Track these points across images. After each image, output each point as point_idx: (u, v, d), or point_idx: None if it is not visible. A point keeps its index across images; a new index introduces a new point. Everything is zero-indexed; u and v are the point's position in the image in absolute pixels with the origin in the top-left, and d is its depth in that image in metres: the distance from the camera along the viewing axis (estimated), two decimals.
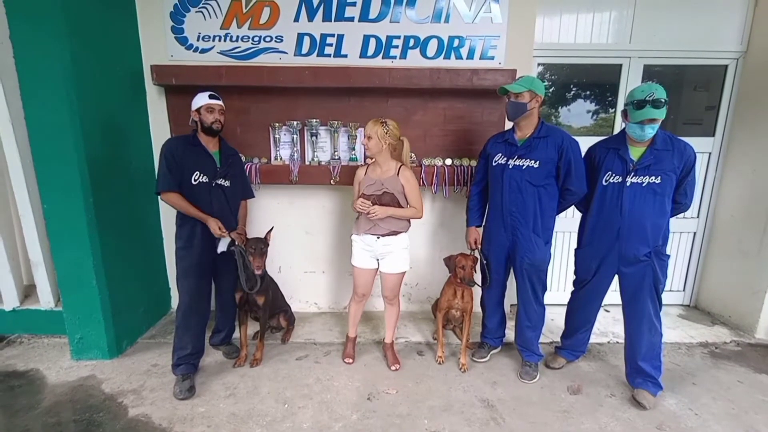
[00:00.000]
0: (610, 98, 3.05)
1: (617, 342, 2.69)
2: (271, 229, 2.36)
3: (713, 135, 3.00)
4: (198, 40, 2.66)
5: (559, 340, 2.49)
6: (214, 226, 2.06)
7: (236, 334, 2.48)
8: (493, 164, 2.18)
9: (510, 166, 2.09)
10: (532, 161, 2.04)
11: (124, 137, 2.53)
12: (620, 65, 2.88)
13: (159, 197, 2.10)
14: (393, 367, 2.34)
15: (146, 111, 2.74)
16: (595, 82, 3.10)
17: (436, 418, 1.94)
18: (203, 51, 2.68)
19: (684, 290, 3.29)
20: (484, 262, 2.26)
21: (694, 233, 3.17)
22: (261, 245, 2.23)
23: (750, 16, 2.79)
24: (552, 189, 2.08)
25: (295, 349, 2.58)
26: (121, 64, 2.51)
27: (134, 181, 2.60)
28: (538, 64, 2.92)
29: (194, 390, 2.10)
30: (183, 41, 2.66)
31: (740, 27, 2.81)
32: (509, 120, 2.12)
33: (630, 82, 2.89)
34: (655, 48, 2.83)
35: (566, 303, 2.39)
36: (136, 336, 2.65)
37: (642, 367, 2.07)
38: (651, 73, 2.90)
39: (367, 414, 1.96)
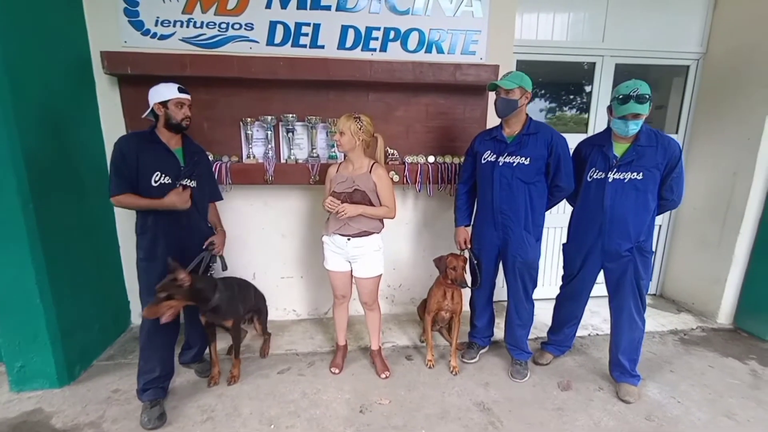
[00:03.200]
0: (581, 98, 3.12)
1: (597, 334, 2.76)
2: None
3: (676, 132, 3.16)
4: (156, 25, 2.39)
5: (544, 335, 2.51)
6: (173, 196, 1.81)
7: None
8: (482, 162, 2.12)
9: (500, 164, 2.05)
10: (523, 158, 2.01)
11: (70, 134, 2.21)
12: (594, 63, 2.95)
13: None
14: (383, 375, 2.24)
15: (96, 103, 2.43)
16: (569, 81, 3.16)
17: (433, 427, 1.86)
18: (162, 37, 2.41)
19: (651, 280, 3.45)
20: (475, 262, 2.21)
21: (660, 226, 3.33)
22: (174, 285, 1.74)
23: (709, 19, 2.94)
24: (542, 186, 2.07)
25: (275, 361, 2.40)
26: (64, 50, 2.19)
27: (84, 183, 2.29)
28: (517, 61, 2.91)
29: (165, 417, 1.87)
30: (138, 26, 2.38)
31: (700, 29, 2.97)
32: (499, 117, 2.07)
33: (603, 81, 2.96)
34: (625, 47, 2.91)
35: (552, 298, 2.42)
36: (91, 358, 2.34)
37: (620, 360, 2.11)
38: (619, 73, 2.98)
39: (361, 428, 1.84)
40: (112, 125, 2.46)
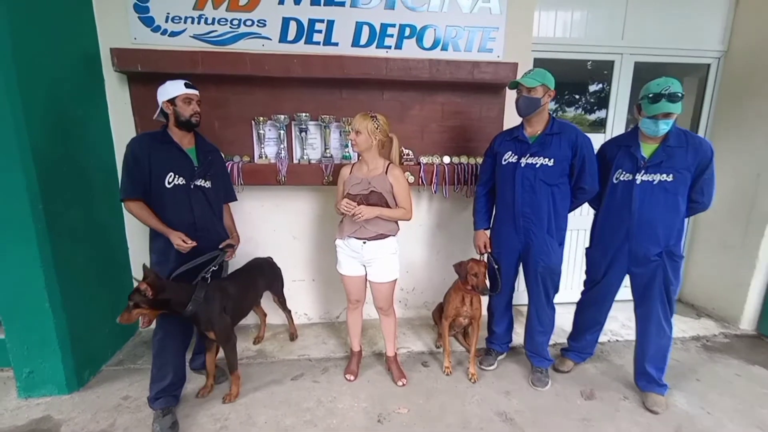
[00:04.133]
0: (585, 98, 3.06)
1: (617, 340, 2.68)
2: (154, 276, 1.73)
3: (696, 132, 3.08)
4: (167, 21, 2.33)
5: (563, 341, 2.44)
6: (177, 239, 1.76)
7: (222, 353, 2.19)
8: (503, 163, 2.05)
9: (522, 165, 1.98)
10: (546, 159, 1.93)
11: (79, 133, 2.15)
12: (612, 62, 2.87)
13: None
14: (399, 383, 2.17)
15: (105, 102, 2.37)
16: (571, 81, 3.10)
17: None
18: (173, 34, 2.35)
19: (680, 285, 3.35)
20: (495, 267, 2.14)
21: None
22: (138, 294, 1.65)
23: (731, 17, 2.86)
24: (565, 188, 1.99)
25: (288, 367, 2.33)
26: (72, 47, 2.13)
27: (93, 183, 2.24)
28: (534, 59, 2.84)
29: (177, 426, 1.81)
30: (148, 22, 2.32)
31: (722, 27, 2.88)
32: (521, 116, 2.00)
33: (622, 80, 2.89)
34: (645, 45, 2.84)
35: (571, 302, 2.34)
36: (100, 363, 2.29)
37: (647, 369, 2.04)
38: (639, 71, 2.91)
39: None
40: (122, 124, 2.40)
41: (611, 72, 2.89)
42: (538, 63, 2.81)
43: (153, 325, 1.77)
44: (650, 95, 1.78)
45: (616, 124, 2.98)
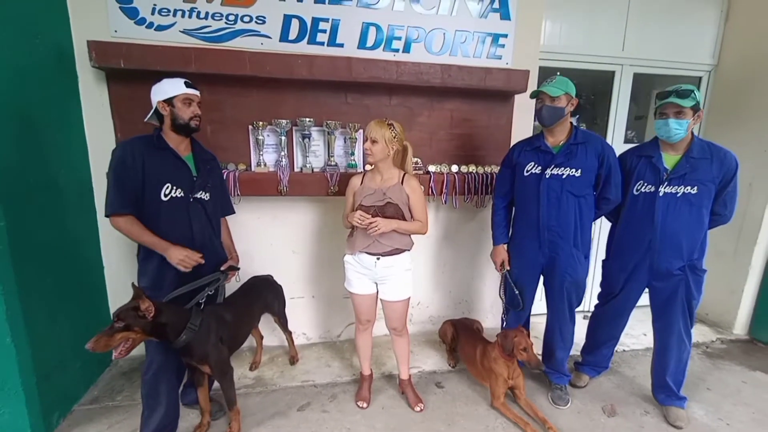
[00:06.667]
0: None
1: (624, 350, 2.66)
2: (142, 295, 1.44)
3: None
4: (153, 13, 2.08)
5: (576, 353, 2.38)
6: (180, 254, 1.53)
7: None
8: (525, 174, 1.97)
9: (547, 176, 1.90)
10: (573, 170, 1.86)
11: (47, 138, 1.86)
12: (613, 72, 2.89)
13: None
14: (417, 408, 2.03)
15: (78, 103, 2.08)
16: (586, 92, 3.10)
17: None
18: (160, 28, 2.10)
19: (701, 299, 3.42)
20: (516, 292, 2.04)
21: None
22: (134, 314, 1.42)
23: (721, 32, 2.97)
24: (591, 199, 1.94)
25: (292, 395, 2.13)
26: (40, 40, 1.83)
27: (64, 195, 1.95)
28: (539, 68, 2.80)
29: None
30: (131, 14, 2.07)
31: (712, 41, 2.98)
32: (544, 126, 1.92)
33: (622, 90, 2.91)
34: (643, 57, 2.88)
35: (582, 311, 2.29)
36: (71, 402, 1.98)
37: (668, 382, 2.01)
38: (637, 82, 2.95)
39: None
40: (98, 128, 2.12)
41: (612, 82, 2.91)
42: (542, 71, 2.78)
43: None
44: (660, 93, 1.77)
45: (617, 134, 3.00)
